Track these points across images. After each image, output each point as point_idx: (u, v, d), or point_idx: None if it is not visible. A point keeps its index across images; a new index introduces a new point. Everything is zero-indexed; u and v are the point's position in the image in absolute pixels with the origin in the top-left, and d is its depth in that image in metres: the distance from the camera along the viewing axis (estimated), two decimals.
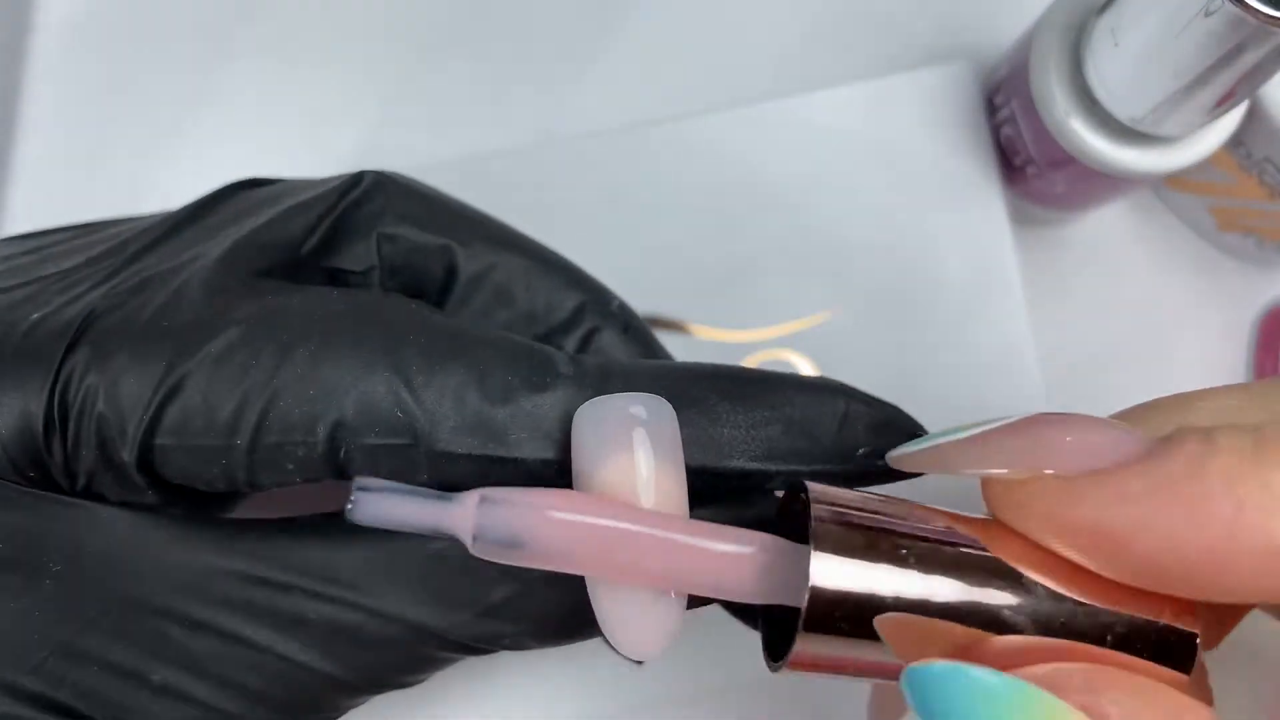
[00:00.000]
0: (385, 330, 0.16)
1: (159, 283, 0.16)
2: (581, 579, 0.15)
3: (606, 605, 0.15)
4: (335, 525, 0.16)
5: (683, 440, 0.15)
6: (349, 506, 0.13)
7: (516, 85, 0.32)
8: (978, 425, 0.14)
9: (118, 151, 0.32)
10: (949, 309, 0.28)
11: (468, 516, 0.14)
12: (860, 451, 0.17)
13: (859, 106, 0.29)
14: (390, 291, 0.19)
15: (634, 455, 0.15)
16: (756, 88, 0.32)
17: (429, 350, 0.16)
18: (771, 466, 0.16)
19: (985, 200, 0.29)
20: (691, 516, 0.15)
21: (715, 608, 0.18)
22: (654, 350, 0.20)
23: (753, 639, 0.20)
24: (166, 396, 0.15)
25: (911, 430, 0.18)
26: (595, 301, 0.19)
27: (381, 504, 0.13)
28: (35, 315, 0.16)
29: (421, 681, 0.17)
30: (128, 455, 0.15)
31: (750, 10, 0.33)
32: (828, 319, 0.28)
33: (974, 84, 0.29)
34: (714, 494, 0.16)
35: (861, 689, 0.29)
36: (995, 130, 0.29)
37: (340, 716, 0.17)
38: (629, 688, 0.26)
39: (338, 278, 0.19)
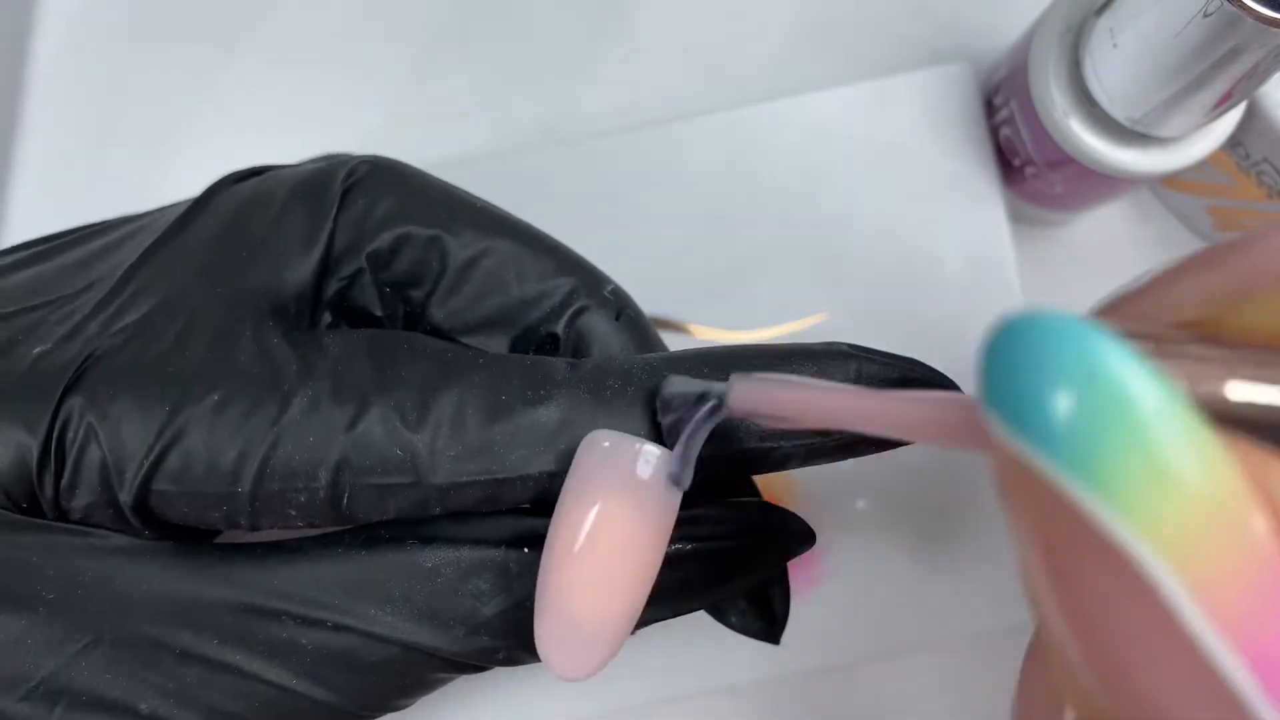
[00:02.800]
0: (378, 368, 0.16)
1: (160, 322, 0.16)
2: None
3: (543, 629, 0.15)
4: (324, 548, 0.16)
5: None
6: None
7: (517, 86, 0.32)
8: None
9: (118, 151, 0.32)
10: (948, 309, 0.28)
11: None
12: None
13: (858, 107, 0.29)
14: (382, 288, 0.19)
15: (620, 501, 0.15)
16: (756, 88, 0.32)
17: (423, 382, 0.16)
18: (786, 443, 0.16)
19: (984, 201, 0.29)
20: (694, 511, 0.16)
21: (692, 618, 0.18)
22: (648, 339, 0.19)
23: (753, 639, 0.20)
24: (169, 443, 0.15)
25: (932, 381, 0.17)
26: (587, 285, 0.19)
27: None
28: (37, 350, 0.16)
29: (412, 704, 0.17)
30: (125, 497, 0.15)
31: (750, 11, 0.33)
32: (826, 319, 0.28)
33: (973, 85, 0.29)
34: (726, 474, 0.16)
35: (865, 687, 0.29)
36: (994, 131, 0.29)
37: None
38: (627, 687, 0.26)
39: (338, 297, 0.19)
